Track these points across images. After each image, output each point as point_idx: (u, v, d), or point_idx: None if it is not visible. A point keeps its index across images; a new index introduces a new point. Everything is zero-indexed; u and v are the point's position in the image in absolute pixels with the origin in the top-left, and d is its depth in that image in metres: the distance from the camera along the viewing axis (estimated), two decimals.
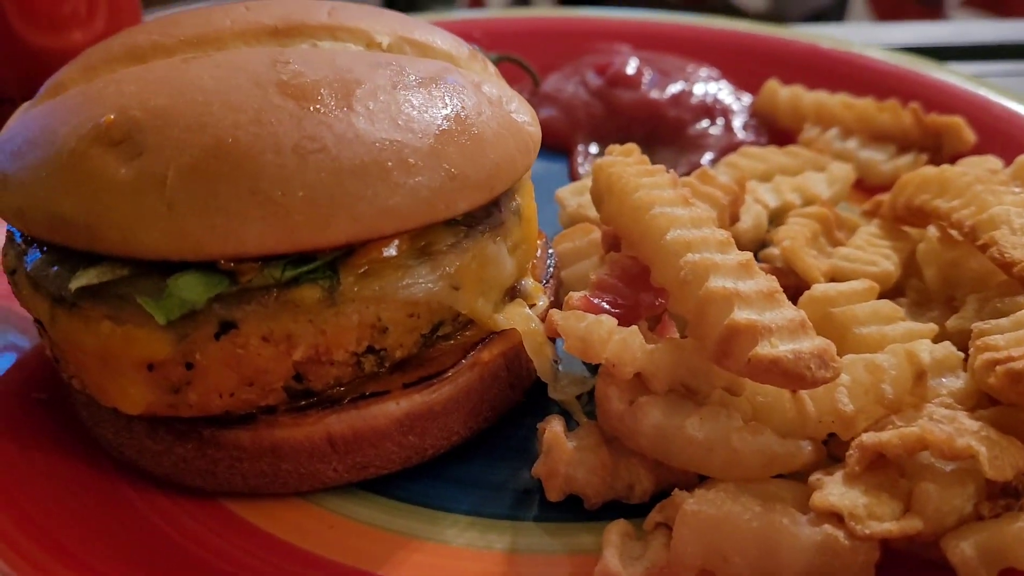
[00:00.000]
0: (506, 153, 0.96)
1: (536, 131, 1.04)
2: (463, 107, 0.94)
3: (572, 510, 0.96)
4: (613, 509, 0.95)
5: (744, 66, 1.81)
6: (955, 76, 1.72)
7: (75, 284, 0.86)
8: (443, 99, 0.93)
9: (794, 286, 1.17)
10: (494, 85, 1.05)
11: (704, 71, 1.77)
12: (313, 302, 0.87)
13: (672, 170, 1.10)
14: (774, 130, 1.66)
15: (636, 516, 0.93)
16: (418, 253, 0.92)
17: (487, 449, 1.05)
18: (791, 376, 0.84)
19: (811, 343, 0.86)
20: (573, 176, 1.61)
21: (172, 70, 0.92)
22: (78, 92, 0.94)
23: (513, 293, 1.05)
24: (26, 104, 1.03)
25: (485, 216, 0.98)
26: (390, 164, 0.86)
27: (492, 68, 1.13)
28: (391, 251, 0.90)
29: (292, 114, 0.86)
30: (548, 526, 0.96)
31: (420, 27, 1.09)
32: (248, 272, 0.85)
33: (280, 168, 0.83)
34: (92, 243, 0.85)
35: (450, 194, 0.90)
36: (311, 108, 0.86)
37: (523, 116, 1.03)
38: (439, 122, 0.91)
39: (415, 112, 0.90)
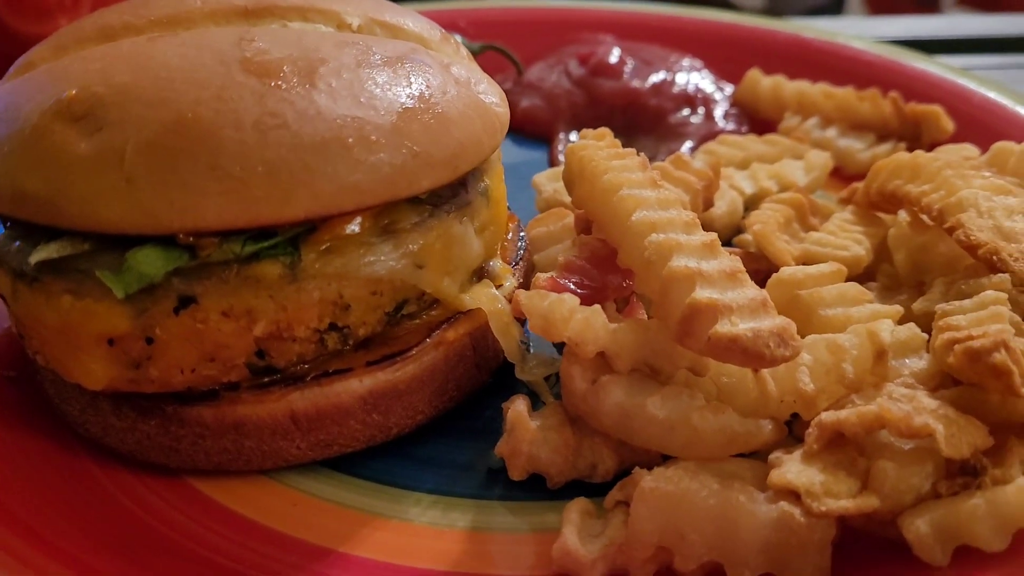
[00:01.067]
0: (471, 133, 0.96)
1: (504, 112, 1.04)
2: (428, 86, 0.94)
3: (537, 489, 0.96)
4: (577, 488, 0.95)
5: (727, 56, 1.81)
6: (936, 66, 1.72)
7: (35, 258, 0.86)
8: (407, 78, 0.93)
9: (766, 270, 1.17)
10: (464, 67, 1.05)
11: (686, 61, 1.77)
12: (274, 278, 0.87)
13: (643, 154, 1.11)
14: (755, 119, 1.66)
15: (600, 496, 0.93)
16: (381, 231, 0.92)
17: (453, 429, 1.05)
18: (750, 354, 0.84)
19: (771, 322, 0.86)
20: (553, 163, 1.61)
21: (138, 47, 0.92)
22: (45, 69, 0.94)
23: (481, 274, 1.05)
24: None
25: (451, 196, 0.98)
26: (351, 140, 0.86)
27: (464, 52, 1.14)
28: (353, 228, 0.90)
29: (254, 91, 0.86)
30: (512, 505, 0.96)
31: (391, 9, 1.09)
32: (207, 247, 0.85)
33: (240, 143, 0.83)
34: (53, 218, 0.85)
35: (412, 172, 0.90)
36: (273, 85, 0.86)
37: (491, 97, 1.03)
38: (402, 100, 0.91)
39: (378, 90, 0.90)
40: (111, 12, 1.04)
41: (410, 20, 1.09)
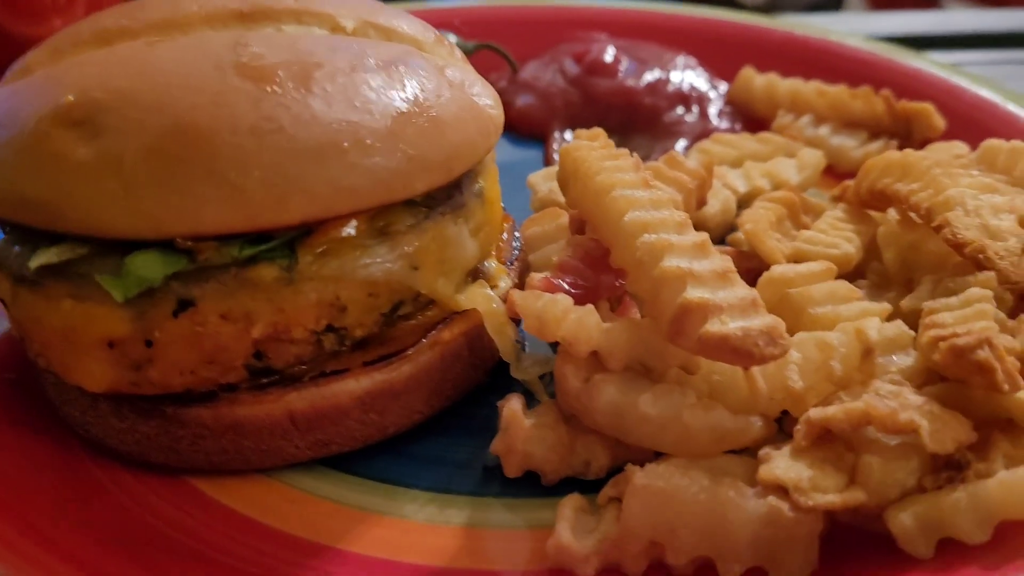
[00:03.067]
0: (466, 135, 0.98)
1: (498, 114, 1.05)
2: (422, 89, 0.95)
3: (531, 485, 0.98)
4: (572, 485, 0.97)
5: (721, 54, 1.82)
6: (929, 63, 1.73)
7: (35, 263, 0.87)
8: (402, 81, 0.94)
9: (758, 269, 1.18)
10: (458, 69, 1.06)
11: (681, 59, 1.78)
12: (271, 280, 0.88)
13: (636, 155, 1.12)
14: (749, 117, 1.67)
15: (594, 492, 0.94)
16: (377, 233, 0.93)
17: (449, 427, 1.06)
18: (740, 353, 0.85)
19: (760, 321, 0.87)
20: (547, 163, 1.62)
21: (135, 52, 0.93)
22: (43, 74, 0.95)
23: (476, 274, 1.06)
24: None
25: (446, 198, 1.00)
26: (346, 145, 0.87)
27: (459, 53, 1.15)
28: (349, 231, 0.91)
29: (250, 95, 0.87)
30: (508, 501, 0.97)
31: (386, 12, 1.10)
32: (206, 251, 0.86)
33: (237, 148, 0.84)
34: (53, 222, 0.86)
35: (407, 175, 0.91)
36: (269, 89, 0.88)
37: (485, 100, 1.04)
38: (397, 104, 0.92)
39: (373, 94, 0.91)
40: (107, 16, 1.05)
41: (404, 22, 1.10)
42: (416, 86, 0.95)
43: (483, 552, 0.92)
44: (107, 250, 0.87)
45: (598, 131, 1.16)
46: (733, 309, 0.88)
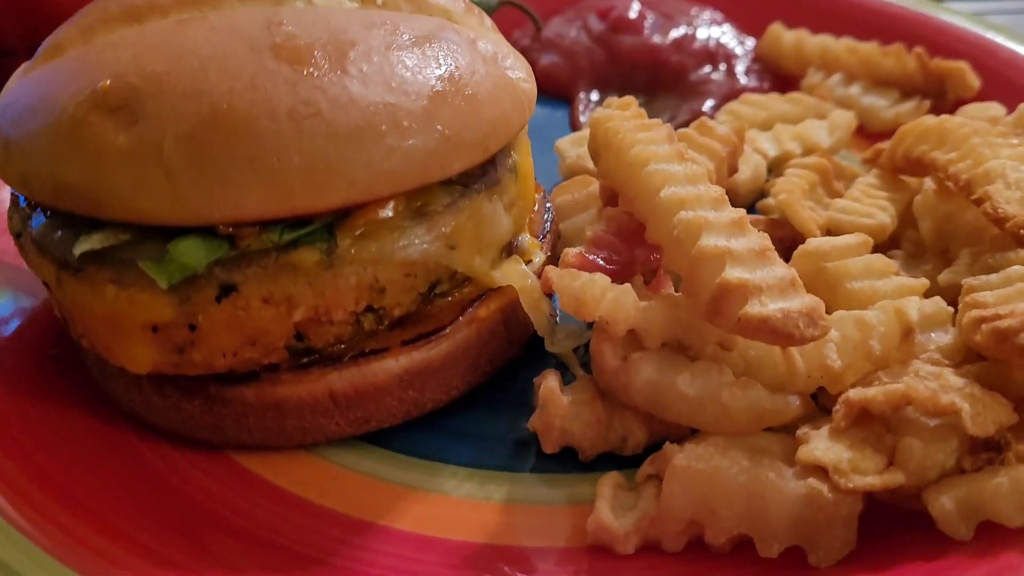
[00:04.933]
0: (501, 112, 0.97)
1: (531, 88, 1.04)
2: (457, 67, 0.94)
3: (568, 460, 0.99)
4: (607, 458, 0.98)
5: (748, 8, 1.78)
6: (962, 18, 1.69)
7: (79, 249, 0.88)
8: (437, 59, 0.93)
9: (790, 237, 1.18)
10: (489, 41, 1.05)
11: (707, 14, 1.75)
12: (311, 264, 0.89)
13: (670, 123, 1.11)
14: (777, 75, 1.65)
15: (630, 467, 0.96)
16: (414, 214, 0.93)
17: (486, 401, 1.07)
18: (780, 334, 0.86)
19: (800, 301, 0.87)
20: (574, 124, 1.60)
21: (168, 34, 0.92)
22: (76, 55, 0.95)
23: (510, 249, 1.06)
24: (24, 66, 1.03)
25: (481, 175, 0.99)
26: (384, 128, 0.87)
27: (488, 22, 1.13)
28: (387, 213, 0.91)
29: (287, 79, 0.86)
30: (545, 477, 0.99)
31: None
32: (247, 236, 0.87)
33: (276, 135, 0.84)
34: (95, 209, 0.87)
35: (445, 155, 0.91)
36: (305, 72, 0.87)
37: (518, 72, 1.03)
38: (433, 83, 0.91)
39: (408, 74, 0.91)
40: None
41: None
42: (451, 64, 0.94)
43: (524, 528, 0.93)
44: (149, 236, 0.87)
45: (630, 99, 1.15)
46: (772, 289, 0.88)
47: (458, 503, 0.96)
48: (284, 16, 0.94)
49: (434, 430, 1.04)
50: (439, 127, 0.90)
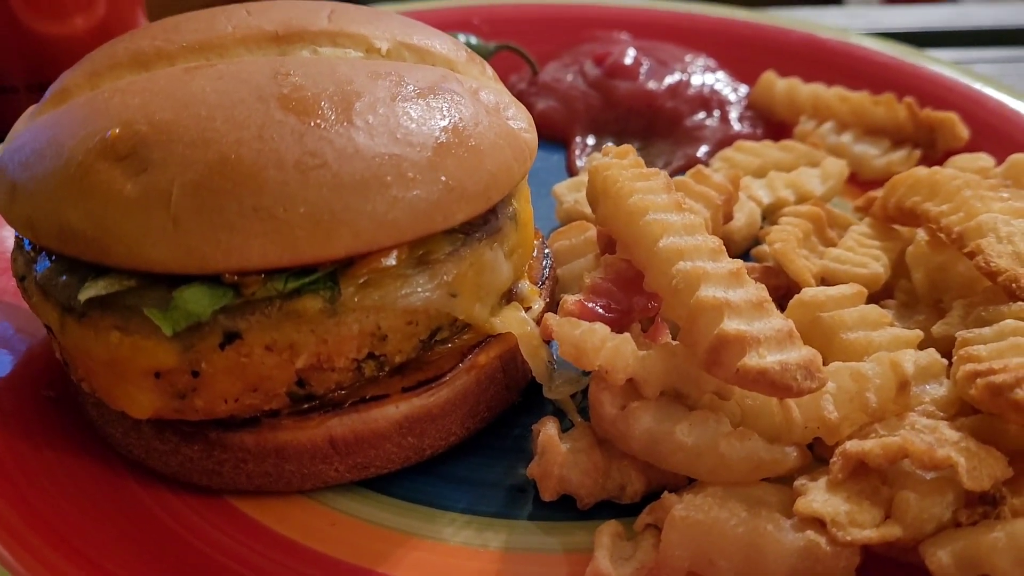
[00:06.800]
0: (503, 162, 0.98)
1: (532, 138, 1.06)
2: (460, 118, 0.96)
3: (566, 508, 0.99)
4: (605, 507, 0.98)
5: (741, 56, 1.81)
6: (950, 68, 1.73)
7: (84, 295, 0.88)
8: (441, 111, 0.95)
9: (785, 285, 1.20)
10: (491, 91, 1.06)
11: (701, 61, 1.78)
12: (314, 312, 0.90)
13: (665, 168, 1.12)
14: (770, 121, 1.67)
15: (627, 515, 0.96)
16: (416, 262, 0.94)
17: (484, 448, 1.07)
18: (778, 386, 0.87)
19: (798, 354, 0.89)
20: (571, 169, 1.62)
21: (176, 82, 0.93)
22: (84, 101, 0.96)
23: (510, 296, 1.07)
24: (31, 109, 1.04)
25: (482, 223, 1.00)
26: (389, 179, 0.88)
27: (490, 71, 1.15)
28: (390, 261, 0.92)
29: (293, 129, 0.87)
30: (542, 524, 0.99)
31: (419, 31, 1.10)
32: (251, 285, 0.87)
33: (282, 184, 0.85)
34: (100, 256, 0.87)
35: (448, 206, 0.92)
36: (312, 123, 0.88)
37: (520, 123, 1.05)
38: (437, 135, 0.93)
39: (413, 125, 0.92)
40: (142, 36, 1.06)
41: (437, 42, 1.10)
42: (455, 115, 0.96)
43: None
44: (153, 283, 0.88)
45: (628, 148, 1.17)
46: (770, 341, 0.89)
47: (455, 550, 0.96)
48: (291, 67, 0.95)
49: (432, 476, 1.04)
50: (443, 178, 0.91)
